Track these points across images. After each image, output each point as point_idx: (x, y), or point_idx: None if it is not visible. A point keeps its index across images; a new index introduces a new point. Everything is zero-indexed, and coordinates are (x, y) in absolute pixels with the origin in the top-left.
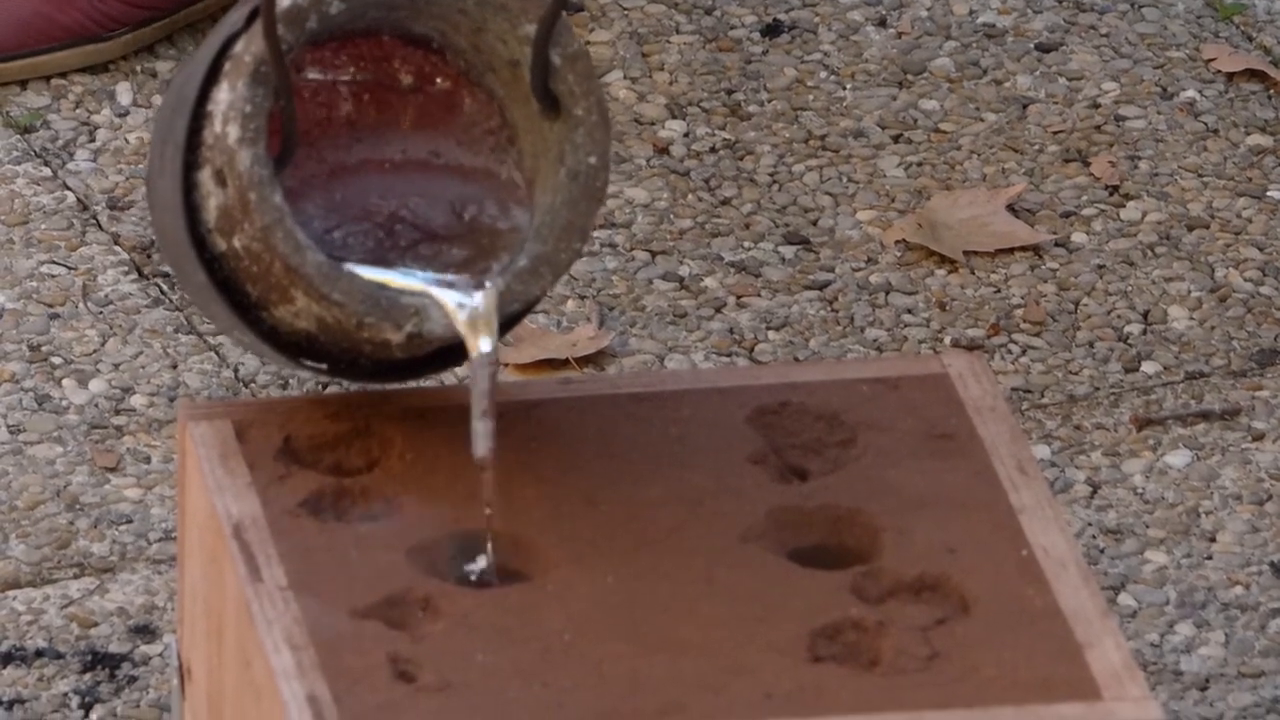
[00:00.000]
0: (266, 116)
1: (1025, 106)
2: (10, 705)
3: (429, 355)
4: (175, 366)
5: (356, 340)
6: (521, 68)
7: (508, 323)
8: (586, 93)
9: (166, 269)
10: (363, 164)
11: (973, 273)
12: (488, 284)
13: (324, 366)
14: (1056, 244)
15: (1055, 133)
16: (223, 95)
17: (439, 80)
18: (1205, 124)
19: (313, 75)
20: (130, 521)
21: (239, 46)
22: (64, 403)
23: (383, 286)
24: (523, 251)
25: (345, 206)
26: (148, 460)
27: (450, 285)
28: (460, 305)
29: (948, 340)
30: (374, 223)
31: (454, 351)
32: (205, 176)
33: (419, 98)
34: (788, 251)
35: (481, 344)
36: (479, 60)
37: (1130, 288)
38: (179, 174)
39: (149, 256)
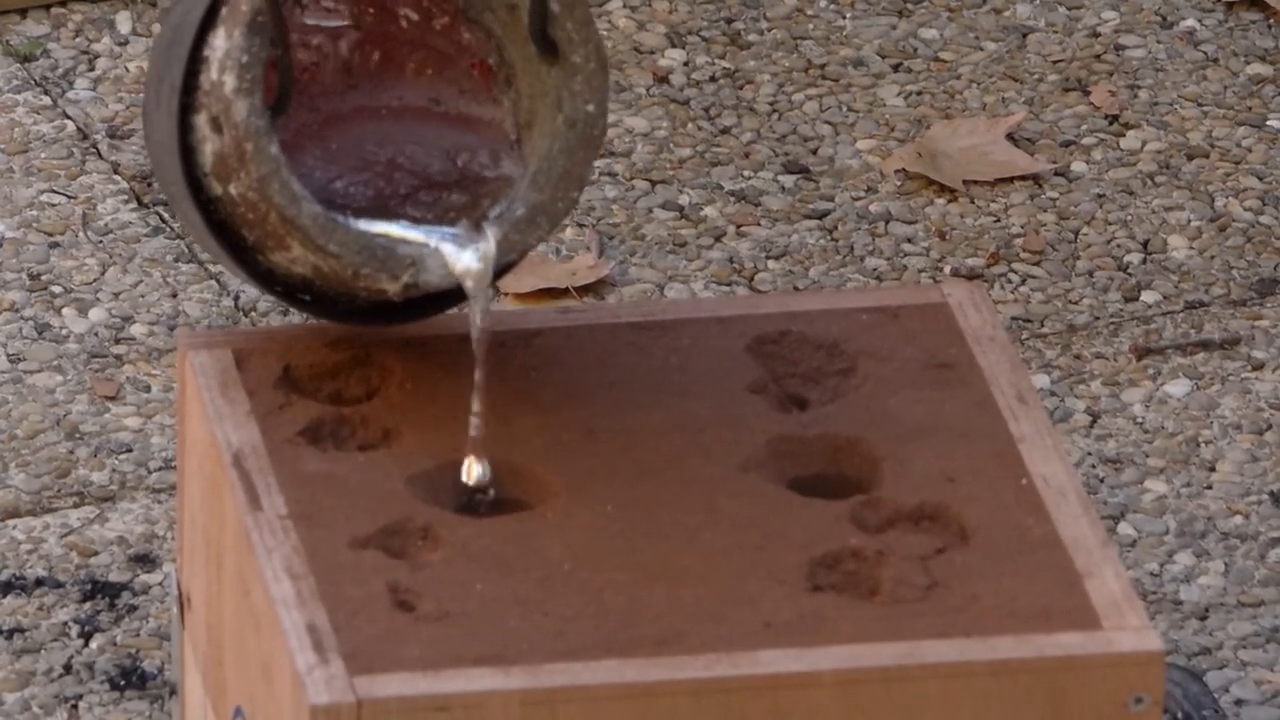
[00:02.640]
0: (263, 66)
1: (1025, 35)
2: (10, 634)
3: (424, 299)
4: (175, 295)
5: (353, 288)
6: (519, 10)
7: (504, 270)
8: (585, 40)
9: (165, 198)
10: (358, 111)
11: (972, 202)
12: (486, 234)
13: (320, 307)
14: (1056, 173)
15: (1055, 62)
16: (219, 42)
17: (437, 17)
18: (1205, 53)
19: (311, 20)
20: (130, 450)
21: None
22: (64, 331)
23: (379, 237)
24: (520, 200)
25: (341, 156)
26: (147, 389)
27: (449, 238)
28: (458, 257)
29: (947, 269)
30: (373, 172)
31: (449, 294)
32: (201, 121)
33: (420, 44)
34: (787, 180)
35: (478, 294)
36: (476, 0)
37: (1130, 217)
38: (175, 115)
39: (149, 185)
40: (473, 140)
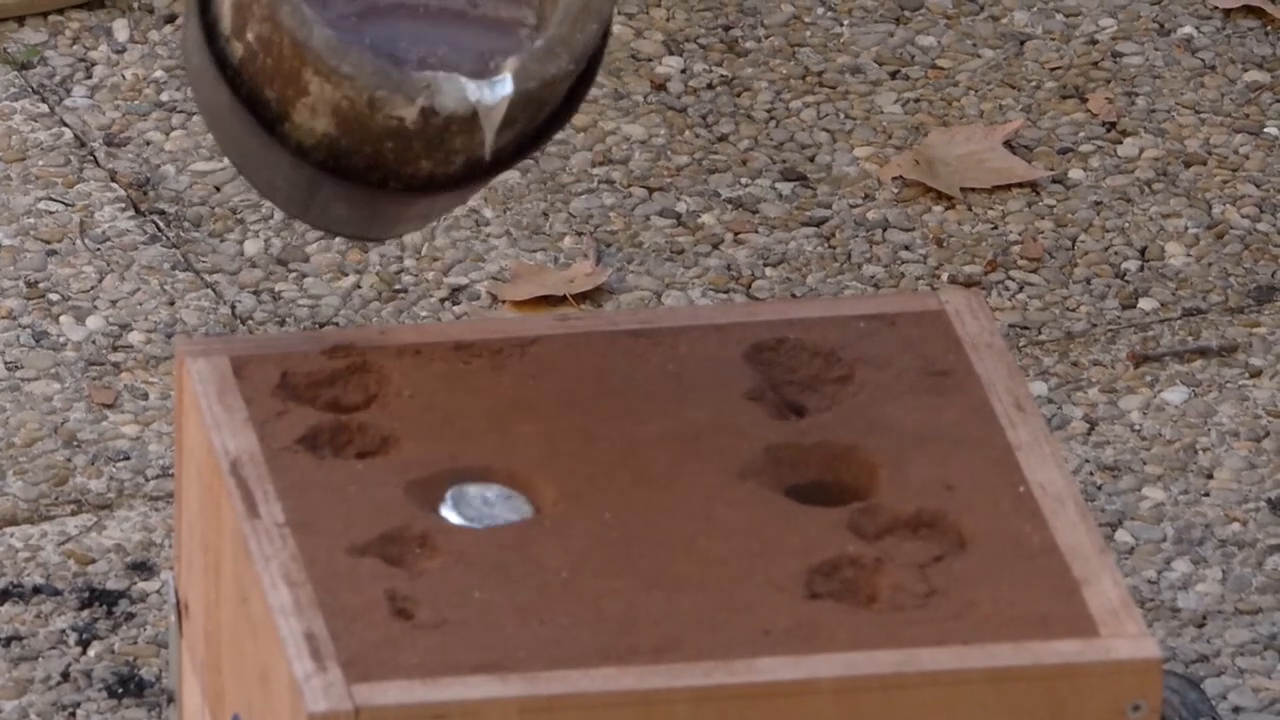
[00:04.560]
0: None
1: (1023, 43)
2: (8, 642)
3: (455, 174)
4: (172, 303)
5: (375, 133)
6: None
7: (523, 102)
8: None
9: (163, 205)
10: (396, 8)
11: (970, 209)
12: (504, 63)
13: (351, 182)
14: (1054, 180)
15: (1053, 69)
16: None
17: None
18: (1203, 60)
19: None
20: (127, 458)
21: None
22: (61, 339)
23: (394, 60)
24: (540, 36)
25: (375, 51)
26: (145, 397)
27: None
28: (474, 83)
29: (945, 277)
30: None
31: (480, 168)
32: None
33: None
34: (785, 188)
35: (491, 121)
36: None
37: (1127, 224)
38: None
39: (145, 193)
40: (508, 44)
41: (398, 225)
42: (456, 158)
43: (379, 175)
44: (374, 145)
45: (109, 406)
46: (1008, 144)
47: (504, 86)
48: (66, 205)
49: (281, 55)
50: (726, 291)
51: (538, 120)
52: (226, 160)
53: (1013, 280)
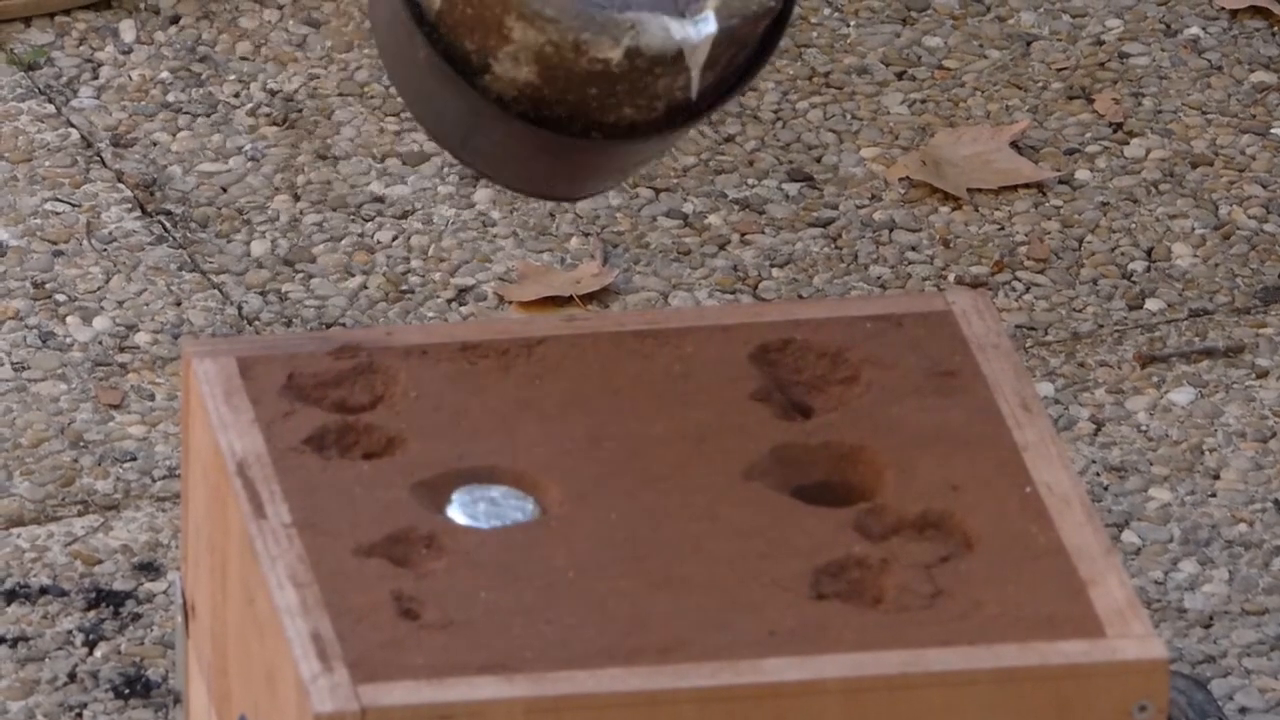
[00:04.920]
0: None
1: (1029, 43)
2: (14, 643)
3: (658, 119)
4: (179, 304)
5: (579, 77)
6: None
7: (725, 40)
8: None
9: (170, 206)
10: None
11: (976, 210)
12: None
13: (559, 127)
14: (1060, 181)
15: (1059, 69)
16: None
17: None
18: (1209, 61)
19: None
20: (134, 459)
21: None
22: (68, 340)
23: (595, 5)
24: None
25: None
26: (152, 397)
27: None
28: (678, 21)
29: (951, 277)
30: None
31: (682, 113)
32: None
33: None
34: (791, 188)
35: (696, 58)
36: None
37: (1134, 225)
38: None
39: (152, 194)
40: None
41: (597, 179)
42: (659, 103)
43: (581, 124)
44: (577, 92)
45: (115, 407)
46: (1014, 145)
47: (707, 24)
48: (73, 206)
49: (483, 3)
50: (733, 292)
51: (736, 63)
52: (229, 162)
53: (1019, 281)
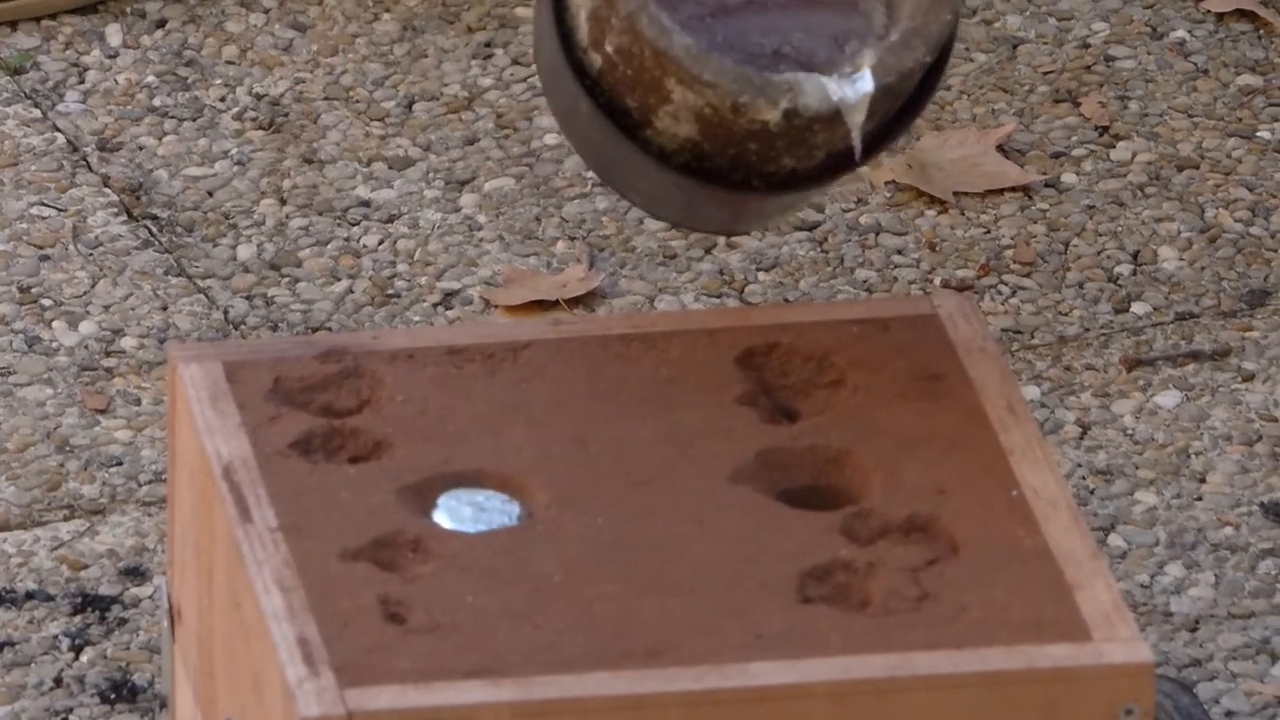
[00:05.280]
0: None
1: (1015, 47)
2: (1, 648)
3: (818, 167)
4: (165, 308)
5: (738, 135)
6: None
7: (882, 95)
8: None
9: (156, 210)
10: (745, 4)
11: (963, 213)
12: (860, 60)
13: (718, 180)
14: (1046, 184)
15: (1045, 73)
16: None
17: None
18: (1195, 64)
19: None
20: (120, 463)
21: None
22: (54, 344)
23: (749, 55)
24: (894, 28)
25: (727, 48)
26: (138, 402)
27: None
28: (835, 82)
29: (938, 281)
30: (757, 65)
31: (842, 160)
32: None
33: None
34: None
35: (855, 119)
36: None
37: (1120, 228)
38: (549, 5)
39: (138, 198)
40: (858, 25)
41: (763, 219)
42: (818, 152)
43: (742, 174)
44: (737, 147)
45: (102, 412)
46: (1000, 148)
47: (865, 83)
48: (59, 210)
49: (643, 65)
50: (719, 296)
51: (894, 109)
52: (215, 166)
53: (1005, 284)
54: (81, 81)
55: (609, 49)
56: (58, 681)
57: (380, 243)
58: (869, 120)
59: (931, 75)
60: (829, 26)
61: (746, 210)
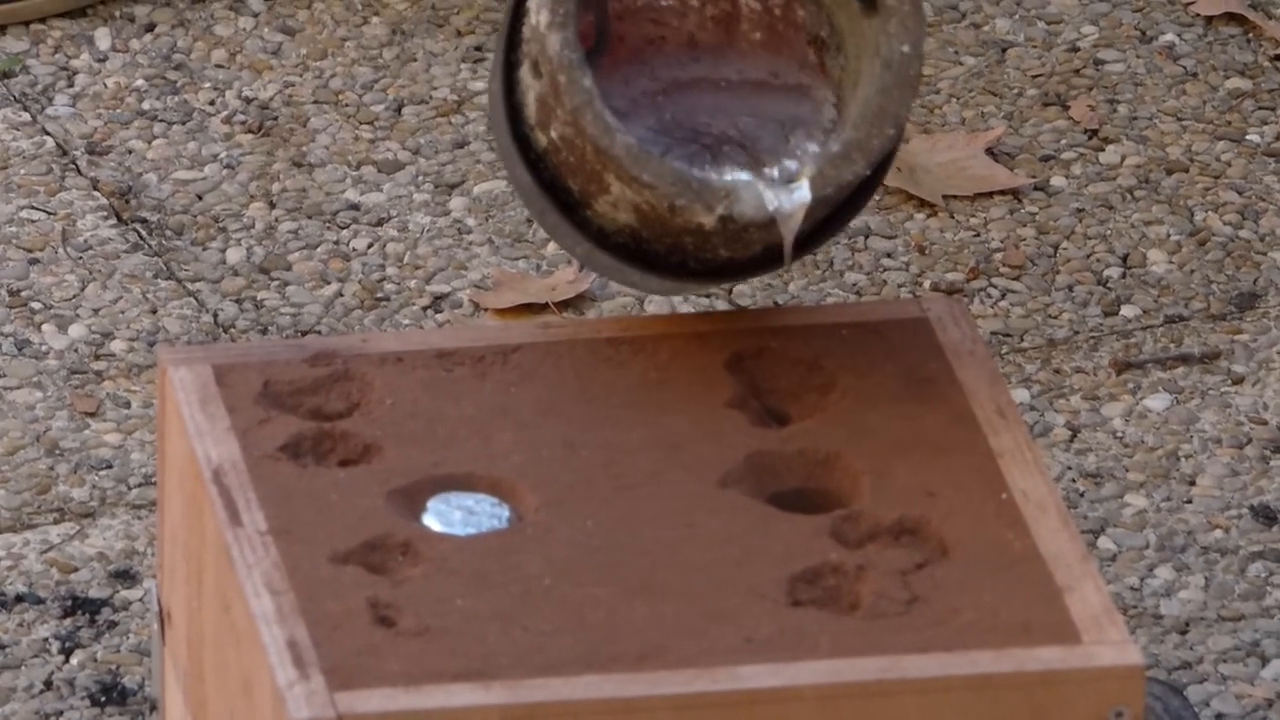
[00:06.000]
0: (577, 3)
1: (1004, 50)
2: None
3: (755, 259)
4: (155, 311)
5: (674, 230)
6: None
7: (818, 204)
8: None
9: (145, 214)
10: (698, 82)
11: (952, 216)
12: (799, 170)
13: (654, 267)
14: (1036, 188)
15: (1034, 76)
16: None
17: None
18: (1184, 67)
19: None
20: (110, 466)
21: None
22: (44, 348)
23: (693, 170)
24: (835, 138)
25: (674, 126)
26: (127, 405)
27: (763, 176)
28: (772, 190)
29: (927, 284)
30: (701, 144)
31: (778, 253)
32: (525, 72)
33: (760, 22)
34: None
35: (789, 229)
36: None
37: (1109, 231)
38: (501, 73)
39: (127, 201)
40: (807, 111)
41: (701, 291)
42: (755, 246)
43: (679, 259)
44: (674, 238)
45: (91, 415)
46: (989, 151)
47: (801, 194)
48: (48, 214)
49: (584, 156)
50: (709, 299)
51: (828, 213)
52: (205, 170)
53: (995, 288)
54: (71, 85)
55: (554, 135)
56: (48, 684)
57: (370, 246)
58: (804, 223)
59: (868, 184)
60: (778, 111)
61: (685, 288)
